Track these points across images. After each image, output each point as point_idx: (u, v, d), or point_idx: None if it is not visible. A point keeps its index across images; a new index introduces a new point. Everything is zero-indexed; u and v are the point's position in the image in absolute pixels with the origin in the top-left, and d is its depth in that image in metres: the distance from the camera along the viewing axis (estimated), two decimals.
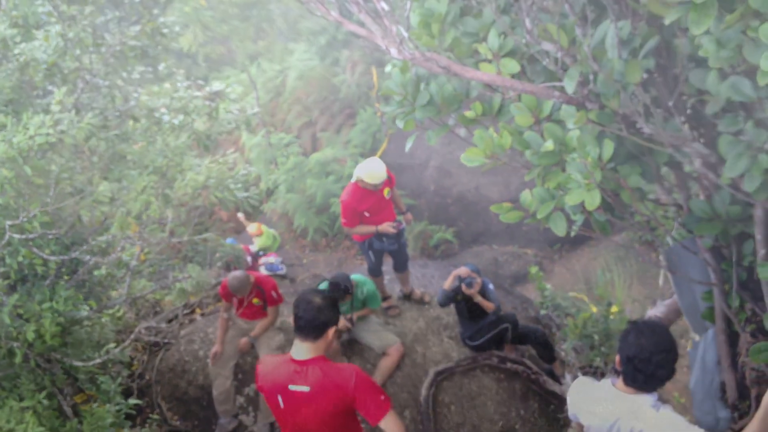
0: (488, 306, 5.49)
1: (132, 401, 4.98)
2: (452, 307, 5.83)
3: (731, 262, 3.38)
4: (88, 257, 4.76)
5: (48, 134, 4.36)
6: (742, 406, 3.69)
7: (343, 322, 5.57)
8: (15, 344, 4.29)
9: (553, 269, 9.93)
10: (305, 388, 2.85)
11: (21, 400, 4.33)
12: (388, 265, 6.43)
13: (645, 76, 2.63)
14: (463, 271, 5.54)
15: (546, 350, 5.73)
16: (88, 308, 4.98)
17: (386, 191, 5.74)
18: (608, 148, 2.66)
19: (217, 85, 6.53)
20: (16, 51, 5.07)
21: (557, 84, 2.73)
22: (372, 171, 5.46)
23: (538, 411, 5.57)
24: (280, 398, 2.93)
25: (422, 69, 3.24)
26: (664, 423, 2.43)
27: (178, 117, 5.83)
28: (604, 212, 3.09)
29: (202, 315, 6.79)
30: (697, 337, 4.08)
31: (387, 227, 5.64)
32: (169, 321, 6.65)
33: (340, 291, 5.32)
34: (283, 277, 9.32)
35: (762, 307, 3.29)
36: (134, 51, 5.58)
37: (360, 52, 12.61)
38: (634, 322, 2.57)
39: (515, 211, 3.07)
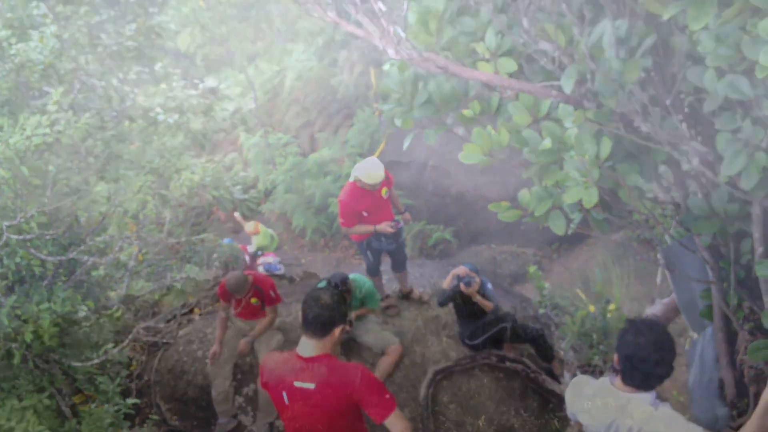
0: (487, 305, 5.49)
1: (130, 401, 4.97)
2: (451, 306, 5.83)
3: (729, 260, 3.38)
4: (85, 257, 4.75)
5: (45, 134, 4.36)
6: (741, 404, 3.70)
7: None
8: (13, 345, 4.29)
9: (552, 268, 9.95)
10: (310, 385, 2.86)
11: (20, 400, 4.33)
12: (386, 264, 6.43)
13: (642, 74, 2.63)
14: (461, 270, 5.54)
15: (545, 349, 5.73)
16: (86, 309, 4.97)
17: (384, 191, 5.74)
18: (606, 146, 2.66)
19: (211, 82, 6.54)
20: (12, 52, 5.06)
21: (555, 83, 2.73)
22: (370, 171, 5.46)
23: (537, 410, 5.57)
24: (285, 395, 2.93)
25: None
26: (663, 421, 2.43)
27: (173, 116, 5.83)
28: (602, 210, 3.09)
29: (201, 315, 6.79)
30: (695, 335, 4.09)
31: (385, 227, 5.64)
32: (168, 321, 6.64)
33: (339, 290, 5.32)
34: (281, 277, 9.32)
35: (760, 305, 3.30)
36: (131, 52, 5.58)
37: (358, 52, 12.62)
38: (632, 321, 2.58)
39: (513, 210, 3.07)
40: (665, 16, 2.27)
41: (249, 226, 10.04)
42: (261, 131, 12.38)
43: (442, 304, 5.64)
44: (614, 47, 2.52)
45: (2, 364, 4.45)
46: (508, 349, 5.88)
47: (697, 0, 2.08)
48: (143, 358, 6.24)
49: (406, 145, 3.57)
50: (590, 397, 2.70)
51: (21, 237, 4.30)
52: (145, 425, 5.42)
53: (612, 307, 6.40)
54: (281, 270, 9.62)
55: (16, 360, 4.26)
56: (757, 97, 2.30)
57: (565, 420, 5.36)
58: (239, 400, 5.64)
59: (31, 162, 4.36)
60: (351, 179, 5.59)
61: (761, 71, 2.03)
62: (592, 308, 6.58)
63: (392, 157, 10.95)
